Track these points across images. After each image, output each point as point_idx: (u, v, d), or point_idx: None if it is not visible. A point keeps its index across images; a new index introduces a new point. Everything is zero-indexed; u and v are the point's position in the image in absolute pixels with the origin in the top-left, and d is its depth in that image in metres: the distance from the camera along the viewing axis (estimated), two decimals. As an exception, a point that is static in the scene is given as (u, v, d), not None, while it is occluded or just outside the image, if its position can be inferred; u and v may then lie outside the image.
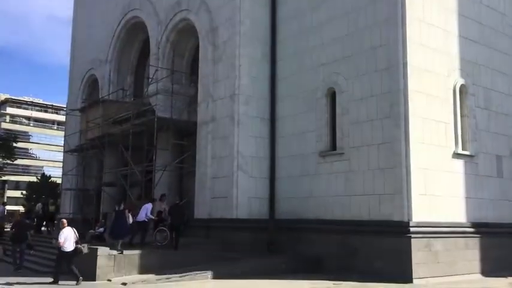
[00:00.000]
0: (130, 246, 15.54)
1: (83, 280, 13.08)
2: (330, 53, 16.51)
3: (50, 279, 13.22)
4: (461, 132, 15.42)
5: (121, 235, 15.30)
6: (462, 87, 15.65)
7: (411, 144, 13.85)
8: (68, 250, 13.27)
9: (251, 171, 17.69)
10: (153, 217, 16.99)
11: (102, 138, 23.77)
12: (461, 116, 15.52)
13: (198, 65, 20.04)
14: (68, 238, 13.33)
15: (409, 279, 13.08)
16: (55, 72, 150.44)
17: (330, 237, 15.32)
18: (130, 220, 16.34)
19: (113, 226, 15.85)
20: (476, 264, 14.89)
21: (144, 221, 16.74)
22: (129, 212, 16.38)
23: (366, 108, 15.00)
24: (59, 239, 13.31)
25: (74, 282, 12.99)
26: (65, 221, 14.05)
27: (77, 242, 13.52)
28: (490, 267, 14.99)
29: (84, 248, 13.56)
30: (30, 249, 17.23)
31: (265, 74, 18.44)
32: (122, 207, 16.36)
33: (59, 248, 13.34)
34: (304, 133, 17.10)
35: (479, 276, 14.70)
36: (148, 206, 17.05)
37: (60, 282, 13.08)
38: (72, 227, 13.87)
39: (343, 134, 15.67)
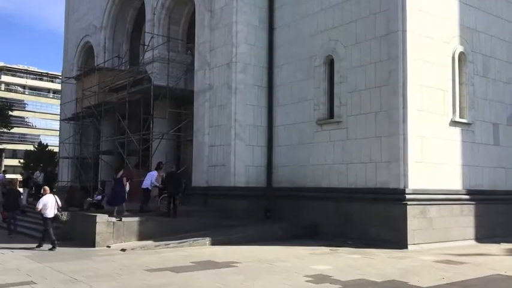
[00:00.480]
0: (141, 212, 15.86)
1: (82, 247, 13.29)
2: (328, 19, 16.27)
3: (49, 246, 13.37)
4: (459, 100, 15.40)
5: (118, 202, 15.46)
6: (461, 54, 15.52)
7: (409, 112, 13.83)
8: (49, 216, 13.68)
9: (249, 139, 17.69)
10: (158, 184, 17.12)
11: (98, 106, 23.63)
12: (460, 84, 15.46)
13: (195, 32, 19.77)
14: (48, 205, 13.66)
15: (404, 246, 13.28)
16: (50, 40, 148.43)
17: (327, 205, 15.48)
18: (127, 188, 16.50)
19: (111, 193, 16.06)
20: (470, 231, 15.12)
21: (148, 188, 16.87)
22: (127, 181, 16.54)
23: (365, 75, 14.89)
24: (37, 204, 13.80)
25: (59, 249, 13.23)
26: (47, 188, 14.45)
27: (58, 210, 13.93)
28: (484, 234, 15.24)
29: (63, 216, 13.96)
30: (24, 215, 17.53)
31: (262, 41, 18.22)
32: (119, 175, 16.50)
33: (41, 214, 13.75)
34: (301, 101, 17.02)
35: (474, 242, 14.94)
36: (154, 173, 17.19)
37: (57, 248, 13.24)
38: (54, 194, 14.28)
39: (340, 102, 15.61)
